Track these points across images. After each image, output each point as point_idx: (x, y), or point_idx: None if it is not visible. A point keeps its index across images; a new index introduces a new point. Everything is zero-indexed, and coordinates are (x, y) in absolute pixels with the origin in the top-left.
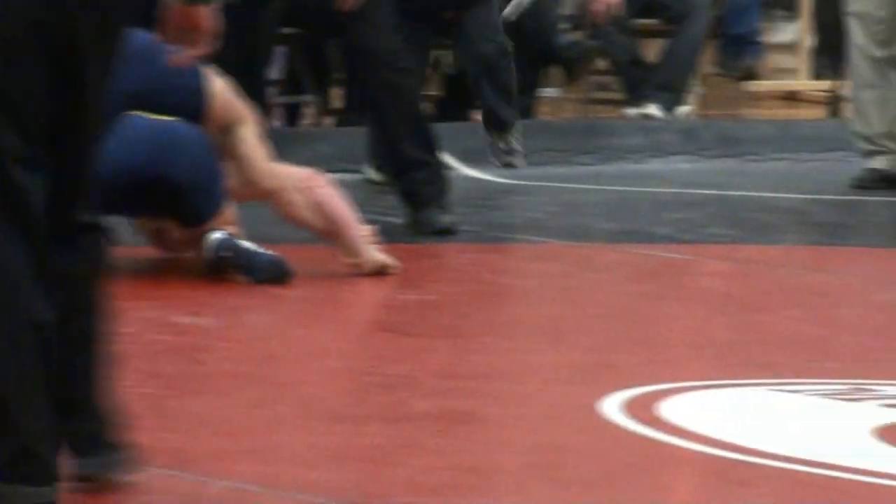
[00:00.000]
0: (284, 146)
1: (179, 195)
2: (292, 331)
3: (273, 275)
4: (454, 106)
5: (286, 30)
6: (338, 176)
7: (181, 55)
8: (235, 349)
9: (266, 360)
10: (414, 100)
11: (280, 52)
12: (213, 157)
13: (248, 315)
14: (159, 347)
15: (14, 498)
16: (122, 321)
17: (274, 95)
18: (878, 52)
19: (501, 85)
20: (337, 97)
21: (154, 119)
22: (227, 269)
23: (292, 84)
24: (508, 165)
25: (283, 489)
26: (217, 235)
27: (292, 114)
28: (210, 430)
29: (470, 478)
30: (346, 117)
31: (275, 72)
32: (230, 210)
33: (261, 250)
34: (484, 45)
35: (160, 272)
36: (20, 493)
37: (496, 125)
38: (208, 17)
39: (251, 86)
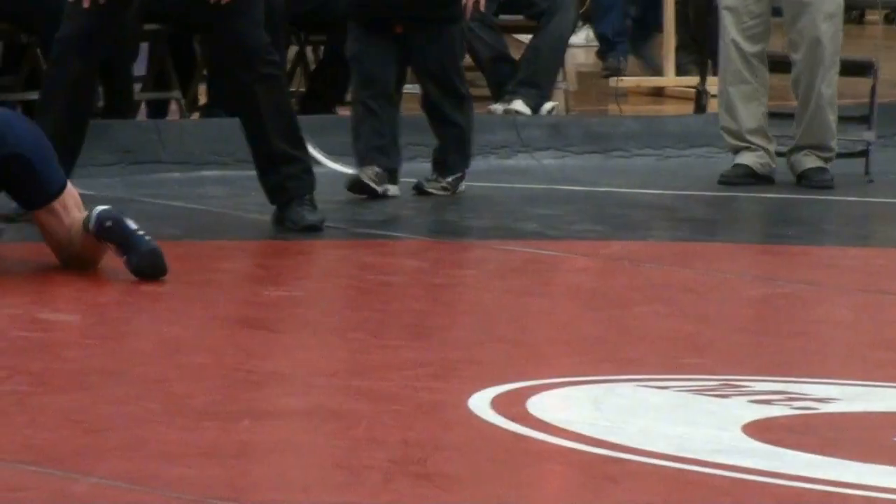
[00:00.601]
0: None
1: (31, 171)
2: (160, 327)
3: (149, 266)
4: (319, 100)
5: (149, 26)
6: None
7: None
8: (102, 346)
9: (133, 356)
10: (284, 94)
11: (144, 48)
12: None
13: (115, 311)
14: (25, 344)
15: None
16: None
17: (139, 91)
18: (750, 48)
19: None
20: (202, 93)
21: None
22: (105, 240)
23: (158, 80)
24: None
25: (151, 486)
26: (102, 207)
27: (159, 110)
28: (77, 427)
29: (338, 475)
30: (210, 112)
31: (140, 68)
32: (75, 194)
33: (145, 236)
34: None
35: (27, 269)
36: None
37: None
38: None
39: (118, 82)
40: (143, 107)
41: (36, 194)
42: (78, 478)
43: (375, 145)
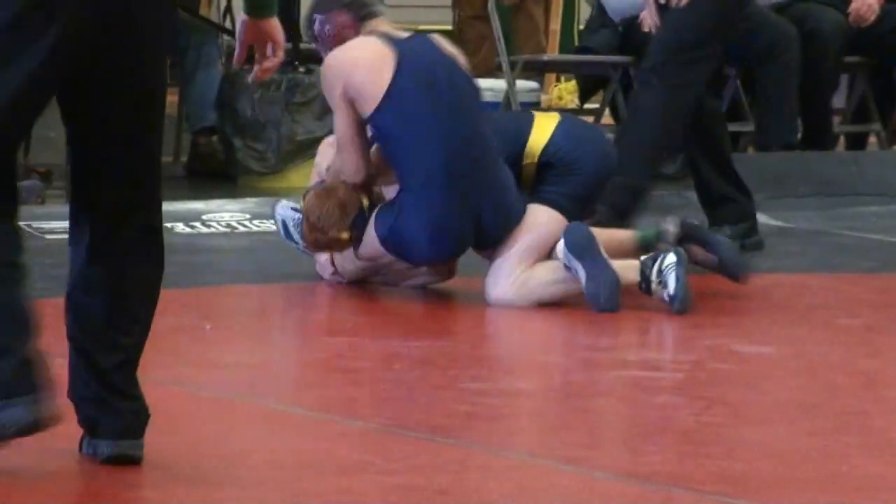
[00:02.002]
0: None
1: None
2: (856, 360)
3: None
4: None
5: (850, 58)
6: None
7: (259, 69)
8: (797, 378)
9: (829, 389)
10: None
11: (843, 80)
12: None
13: (810, 345)
14: (723, 376)
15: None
16: (685, 348)
17: (838, 124)
18: None
19: None
20: None
21: None
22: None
23: (858, 113)
24: None
25: None
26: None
27: (858, 142)
28: (773, 459)
29: None
30: None
31: (840, 100)
32: None
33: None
34: None
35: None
36: None
37: None
38: (277, 28)
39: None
40: (841, 139)
41: None
42: None
43: None
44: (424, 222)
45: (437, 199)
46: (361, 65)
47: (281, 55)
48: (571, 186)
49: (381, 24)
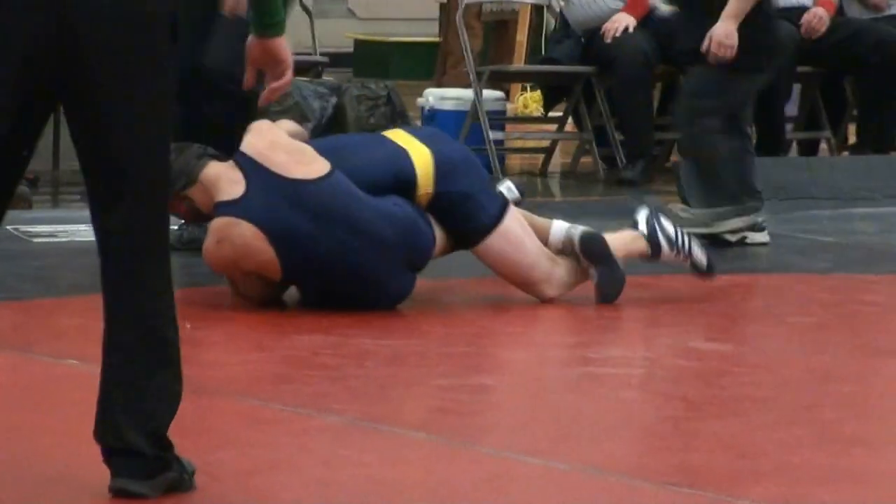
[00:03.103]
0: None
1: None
2: (808, 357)
3: (613, 292)
4: None
5: (802, 68)
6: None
7: (269, 89)
8: (753, 374)
9: (783, 384)
10: None
11: (796, 89)
12: None
13: (763, 341)
14: (681, 372)
15: None
16: (646, 345)
17: (791, 131)
18: None
19: None
20: (851, 132)
21: None
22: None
23: (809, 120)
24: None
25: None
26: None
27: (810, 148)
28: (730, 451)
29: None
30: (859, 151)
31: (792, 108)
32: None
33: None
34: None
35: (673, 299)
36: None
37: None
38: (284, 48)
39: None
40: (794, 145)
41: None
42: (730, 500)
43: None
44: None
45: None
46: None
47: (290, 75)
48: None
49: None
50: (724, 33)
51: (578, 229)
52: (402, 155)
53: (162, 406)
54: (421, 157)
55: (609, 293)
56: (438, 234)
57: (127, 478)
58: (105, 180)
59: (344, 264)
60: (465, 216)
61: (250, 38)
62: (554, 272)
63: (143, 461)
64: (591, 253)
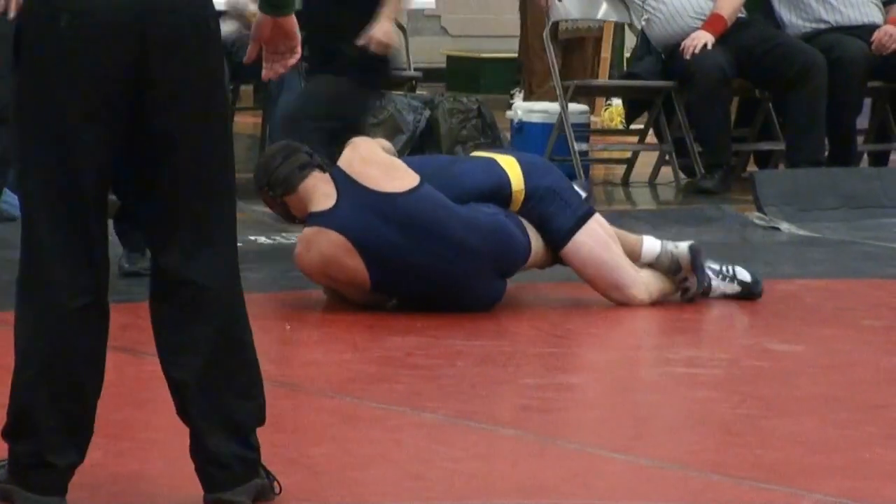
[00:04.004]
0: None
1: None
2: (879, 357)
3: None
4: None
5: (872, 83)
6: None
7: (274, 67)
8: (826, 374)
9: (855, 384)
10: None
11: (867, 103)
12: None
13: (838, 343)
14: (757, 372)
15: (18, 500)
16: (723, 347)
17: (862, 143)
18: None
19: None
20: None
21: None
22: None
23: (880, 133)
24: None
25: (873, 502)
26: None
27: (880, 159)
28: (803, 447)
29: None
30: None
31: (863, 121)
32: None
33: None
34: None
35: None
36: (26, 499)
37: None
38: (295, 25)
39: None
40: (865, 157)
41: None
42: (804, 495)
43: None
44: None
45: None
46: None
47: (298, 52)
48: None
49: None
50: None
51: (680, 244)
52: (492, 162)
53: (246, 407)
54: (506, 161)
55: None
56: (535, 243)
57: (220, 490)
58: (169, 204)
59: (433, 274)
60: (553, 214)
61: (260, 17)
62: (640, 277)
63: (233, 470)
64: (699, 263)
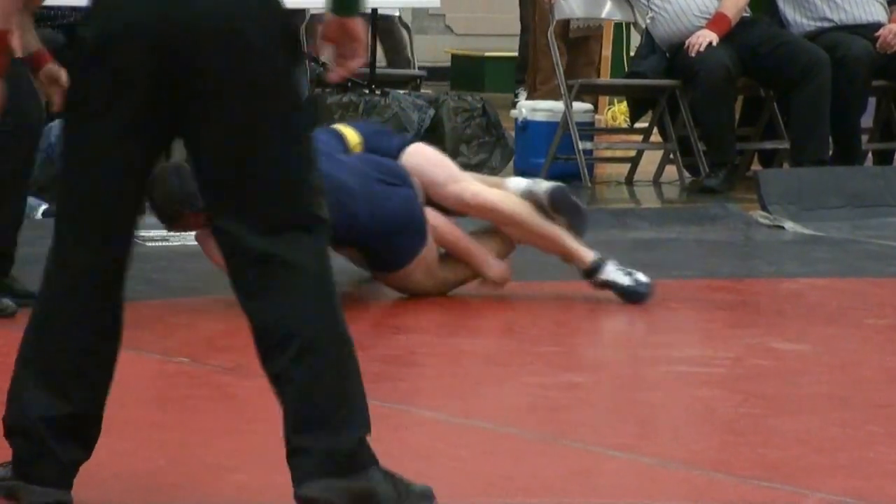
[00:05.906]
0: None
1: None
2: (883, 357)
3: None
4: None
5: (877, 82)
6: None
7: (339, 69)
8: (829, 373)
9: (858, 383)
10: None
11: (871, 102)
12: None
13: (840, 342)
14: (760, 371)
15: (22, 494)
16: (726, 345)
17: (866, 142)
18: None
19: None
20: None
21: None
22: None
23: (884, 132)
24: None
25: (876, 502)
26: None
27: (884, 158)
28: (806, 447)
29: None
30: None
31: (867, 120)
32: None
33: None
34: None
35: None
36: (30, 492)
37: None
38: (362, 27)
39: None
40: (869, 155)
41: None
42: (807, 494)
43: None
44: None
45: None
46: None
47: (364, 55)
48: None
49: None
50: None
51: (543, 184)
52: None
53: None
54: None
55: (581, 228)
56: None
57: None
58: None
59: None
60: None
61: (327, 16)
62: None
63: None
64: (560, 204)
